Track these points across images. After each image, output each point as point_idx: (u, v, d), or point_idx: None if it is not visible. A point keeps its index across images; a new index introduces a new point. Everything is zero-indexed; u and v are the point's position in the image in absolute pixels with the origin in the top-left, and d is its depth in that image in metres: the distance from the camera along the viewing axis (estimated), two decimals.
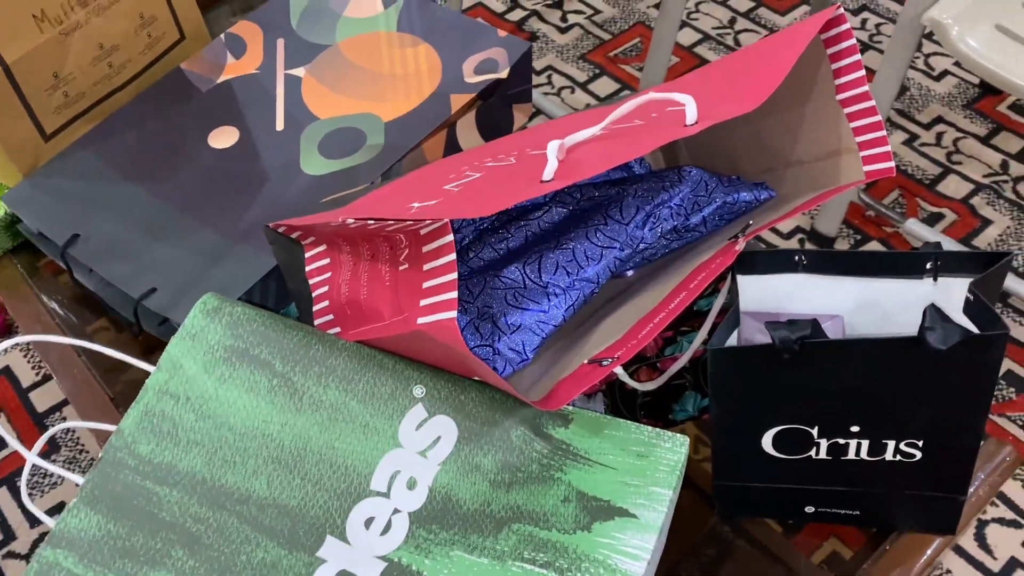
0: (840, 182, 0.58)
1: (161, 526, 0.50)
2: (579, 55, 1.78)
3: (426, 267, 0.48)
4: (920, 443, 0.50)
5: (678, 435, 0.53)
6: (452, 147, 0.79)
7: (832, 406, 0.49)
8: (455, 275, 0.46)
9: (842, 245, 1.48)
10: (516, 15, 1.88)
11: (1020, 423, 1.31)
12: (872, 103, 0.55)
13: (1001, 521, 1.24)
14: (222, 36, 0.86)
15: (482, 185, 0.51)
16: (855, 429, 0.50)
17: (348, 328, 0.57)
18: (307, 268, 0.59)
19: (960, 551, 1.23)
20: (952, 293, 0.51)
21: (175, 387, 0.52)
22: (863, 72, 0.55)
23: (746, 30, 1.81)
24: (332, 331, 0.58)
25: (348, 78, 0.80)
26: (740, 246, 0.52)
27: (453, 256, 0.46)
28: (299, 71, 0.81)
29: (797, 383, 0.49)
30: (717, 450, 0.54)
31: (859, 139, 0.56)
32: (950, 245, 1.43)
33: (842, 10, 0.54)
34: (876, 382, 0.48)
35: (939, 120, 1.65)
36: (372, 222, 0.48)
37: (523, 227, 0.61)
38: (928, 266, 0.51)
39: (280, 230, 0.57)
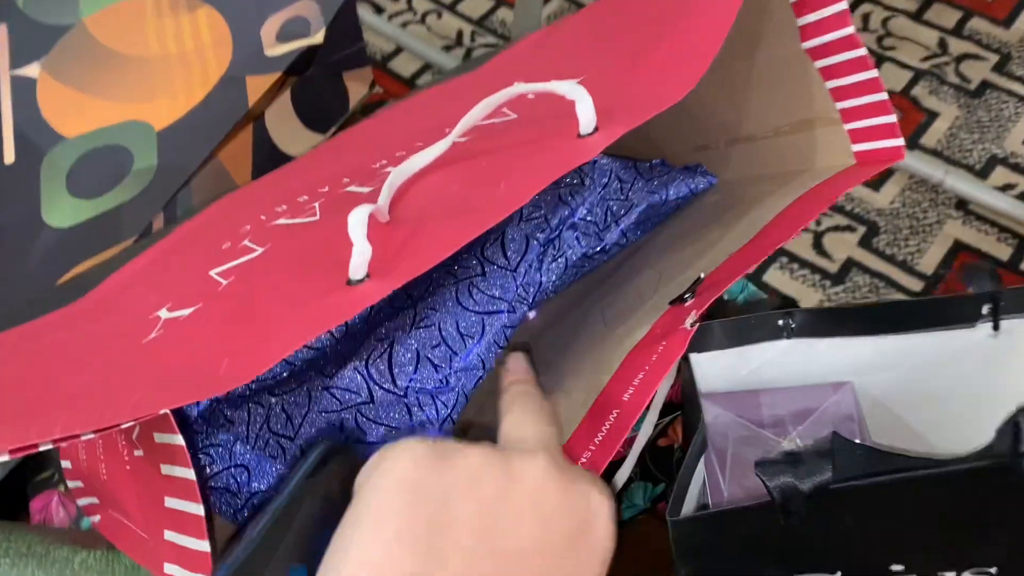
0: (815, 164, 0.39)
1: None
2: None
3: (164, 469, 0.28)
4: (993, 570, 0.33)
5: None
6: (264, 147, 0.57)
7: (862, 548, 0.32)
8: (200, 510, 0.26)
9: None
10: None
11: None
12: (863, 52, 0.35)
13: None
14: None
15: (261, 277, 0.30)
16: (897, 568, 0.33)
17: (105, 506, 0.36)
18: None
19: None
20: (1018, 339, 0.33)
21: None
22: (844, 5, 0.35)
23: None
24: (88, 501, 0.38)
25: (102, 70, 0.57)
26: (692, 322, 0.33)
27: (190, 474, 0.26)
28: (32, 69, 0.57)
29: (810, 533, 0.31)
30: None
31: (842, 105, 0.37)
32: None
33: None
34: (931, 516, 0.30)
35: None
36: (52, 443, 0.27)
37: None
38: (985, 310, 0.33)
39: None
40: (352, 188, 0.37)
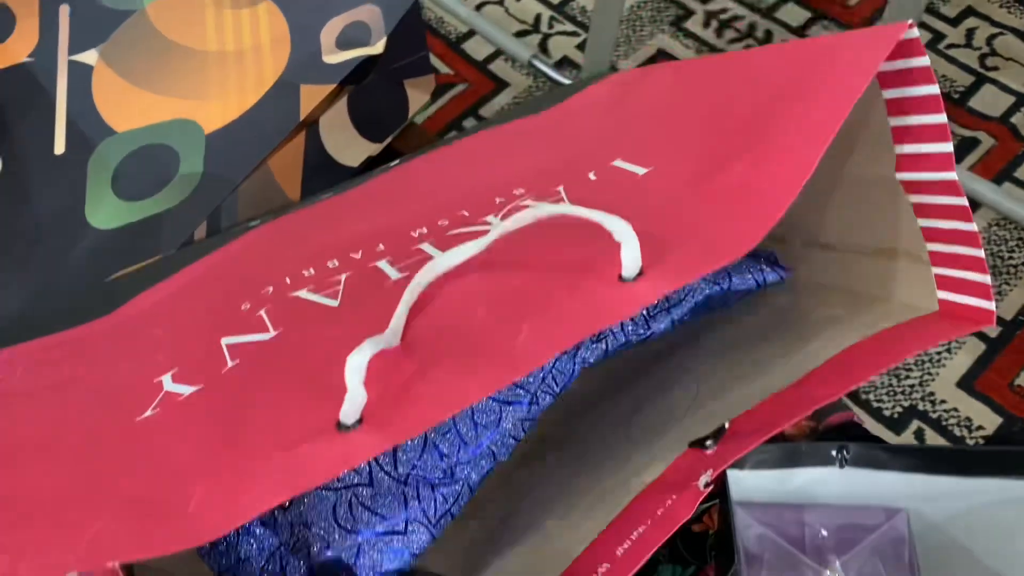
0: (894, 295, 0.35)
1: None
2: None
3: None
4: None
5: None
6: (316, 156, 0.55)
7: None
8: None
9: None
10: None
11: None
12: (964, 202, 0.31)
13: None
14: None
15: (259, 377, 0.29)
16: None
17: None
18: None
19: None
20: None
21: None
22: (950, 147, 0.31)
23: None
24: None
25: (158, 62, 0.55)
26: (704, 482, 0.30)
27: None
28: (90, 56, 0.56)
29: None
30: None
31: (932, 247, 0.33)
32: (978, 184, 1.15)
33: (916, 31, 0.30)
34: None
35: (969, 12, 1.34)
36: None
37: None
38: None
39: None
40: (382, 263, 0.35)
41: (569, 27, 1.37)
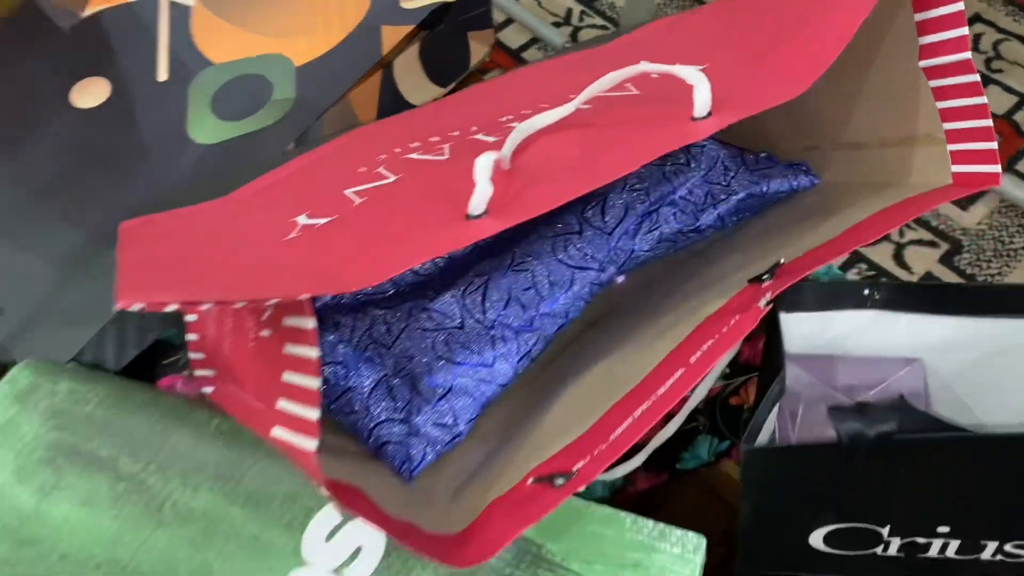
0: (912, 179, 0.41)
1: None
2: None
3: (286, 349, 0.32)
4: None
5: (691, 535, 0.38)
6: (390, 97, 0.61)
7: (913, 505, 0.35)
8: (317, 383, 0.30)
9: None
10: None
11: None
12: (975, 77, 0.37)
13: None
14: None
15: (391, 202, 0.34)
16: (943, 529, 0.36)
17: (223, 380, 0.41)
18: None
19: None
20: None
21: None
22: (965, 30, 0.37)
23: None
24: (205, 372, 0.43)
25: (251, 5, 0.61)
26: (765, 302, 0.36)
27: (314, 353, 0.30)
28: None
29: (867, 481, 0.34)
30: (745, 545, 0.39)
31: (949, 126, 0.39)
32: None
33: None
34: (982, 481, 0.33)
35: (977, 19, 1.42)
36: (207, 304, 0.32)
37: None
38: None
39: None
40: (479, 136, 0.41)
41: (599, 21, 1.45)
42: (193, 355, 0.44)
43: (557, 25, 1.43)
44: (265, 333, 0.34)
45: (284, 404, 0.32)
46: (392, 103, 0.62)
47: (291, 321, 0.33)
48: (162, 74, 0.60)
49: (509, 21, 1.42)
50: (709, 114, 0.33)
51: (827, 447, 0.32)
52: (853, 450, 0.32)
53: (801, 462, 0.34)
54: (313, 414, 0.31)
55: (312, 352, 0.32)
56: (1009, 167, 1.29)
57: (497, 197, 0.32)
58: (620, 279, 0.46)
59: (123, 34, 0.62)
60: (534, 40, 1.42)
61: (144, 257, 0.42)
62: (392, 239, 0.32)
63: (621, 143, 0.34)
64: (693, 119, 0.33)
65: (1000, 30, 1.40)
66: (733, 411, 0.48)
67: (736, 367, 0.47)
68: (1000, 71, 1.37)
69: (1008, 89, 1.35)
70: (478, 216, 0.31)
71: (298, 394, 0.32)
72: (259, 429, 0.35)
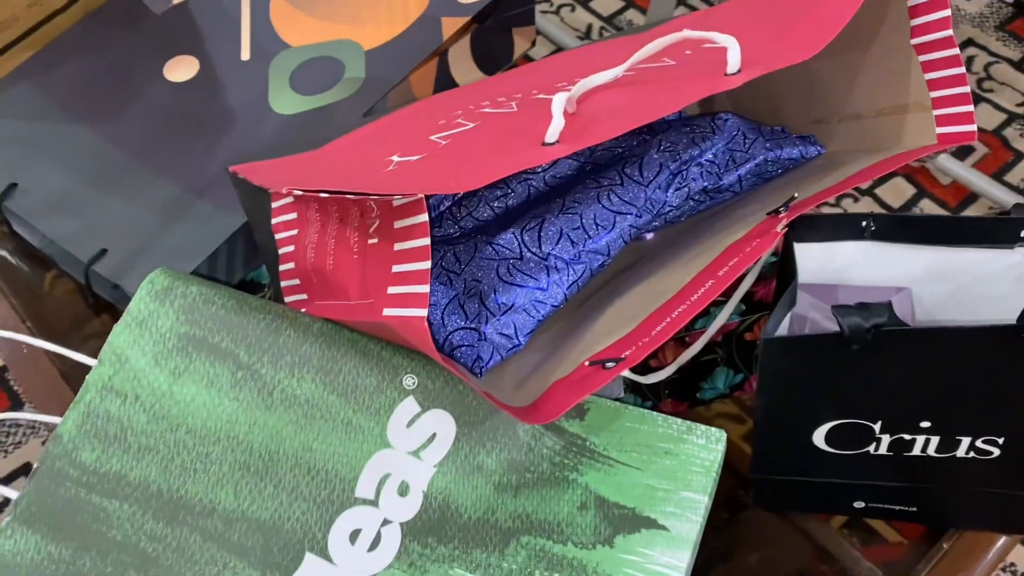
0: (903, 143, 0.48)
1: (111, 546, 0.42)
2: None
3: (397, 247, 0.40)
4: (1000, 440, 0.43)
5: (713, 429, 0.45)
6: (444, 80, 0.69)
7: (901, 400, 0.42)
8: (428, 264, 0.38)
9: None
10: None
11: None
12: (956, 51, 0.45)
13: None
14: None
15: (474, 139, 0.42)
16: (925, 424, 0.43)
17: (314, 299, 0.48)
18: (273, 221, 0.51)
19: None
20: None
21: (121, 384, 0.44)
22: (948, 11, 0.45)
23: None
24: (297, 297, 0.50)
25: None
26: (782, 226, 0.43)
27: (427, 241, 0.38)
28: None
29: (863, 375, 0.41)
30: (759, 443, 0.46)
31: (935, 94, 0.47)
32: (980, 179, 1.33)
33: None
34: (958, 375, 0.40)
35: (969, 43, 1.52)
36: (326, 194, 0.39)
37: (526, 181, 0.52)
38: (1023, 234, 0.43)
39: (241, 175, 0.49)
40: (541, 96, 0.49)
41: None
42: (286, 283, 0.51)
43: (580, 39, 1.52)
44: (373, 241, 0.42)
45: (395, 289, 0.39)
46: (445, 86, 0.70)
47: (402, 223, 0.40)
48: (245, 54, 0.68)
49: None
50: (739, 71, 0.41)
51: (831, 336, 0.40)
52: (853, 339, 0.39)
53: (808, 352, 0.41)
54: (424, 289, 0.38)
55: (424, 241, 0.39)
56: (997, 177, 1.39)
57: (566, 130, 0.40)
58: (649, 236, 0.54)
59: (209, 19, 0.70)
60: (559, 51, 1.51)
61: (263, 171, 0.49)
62: (479, 160, 0.40)
63: (667, 90, 0.42)
64: (726, 75, 0.41)
65: (991, 53, 1.50)
66: (748, 346, 0.55)
67: (751, 304, 0.54)
68: (991, 91, 1.46)
69: (997, 107, 1.44)
70: (552, 144, 0.38)
71: (409, 277, 0.39)
72: (366, 318, 0.42)
